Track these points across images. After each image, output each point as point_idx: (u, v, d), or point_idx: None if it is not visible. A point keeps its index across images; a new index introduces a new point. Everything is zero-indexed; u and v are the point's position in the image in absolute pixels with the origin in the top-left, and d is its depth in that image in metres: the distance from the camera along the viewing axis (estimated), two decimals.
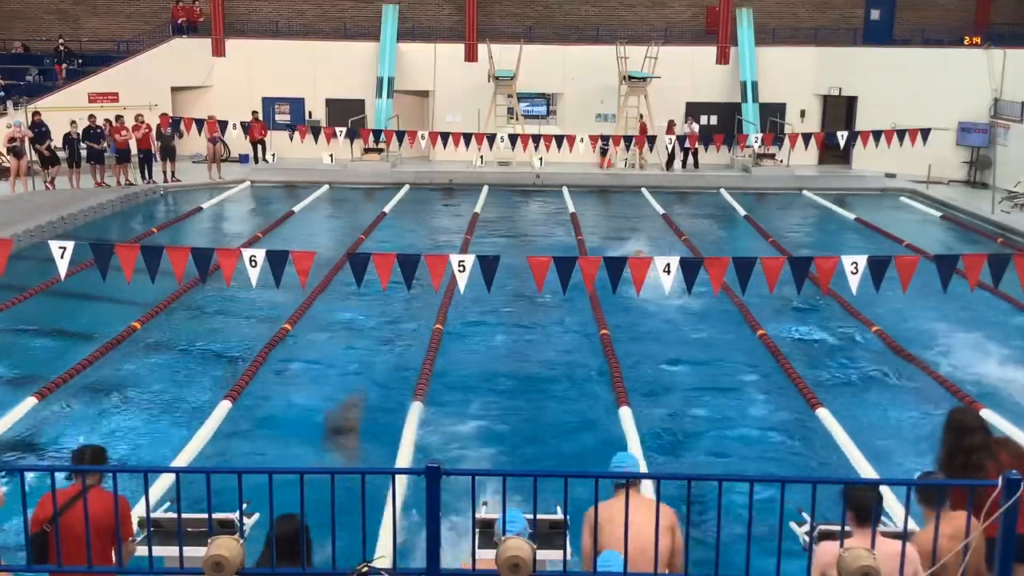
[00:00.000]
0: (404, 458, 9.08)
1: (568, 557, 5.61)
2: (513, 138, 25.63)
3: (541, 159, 27.29)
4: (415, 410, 10.31)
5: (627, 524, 4.72)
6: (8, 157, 23.03)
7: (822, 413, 10.29)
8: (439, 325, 13.23)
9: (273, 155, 27.90)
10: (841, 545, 4.63)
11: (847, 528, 5.10)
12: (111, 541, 5.49)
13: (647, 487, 6.79)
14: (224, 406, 10.29)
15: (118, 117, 24.25)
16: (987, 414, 9.98)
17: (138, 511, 5.98)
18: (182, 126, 25.46)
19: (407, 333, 13.46)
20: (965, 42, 28.40)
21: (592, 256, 10.41)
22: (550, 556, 5.59)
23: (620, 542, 4.80)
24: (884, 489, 7.78)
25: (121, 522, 5.38)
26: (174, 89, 29.12)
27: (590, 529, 5.13)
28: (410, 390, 10.92)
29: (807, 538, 5.74)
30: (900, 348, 12.64)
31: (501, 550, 4.44)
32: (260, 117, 28.08)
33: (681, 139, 27.62)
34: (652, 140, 25.63)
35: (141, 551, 5.57)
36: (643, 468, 6.43)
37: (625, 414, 10.22)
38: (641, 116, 28.80)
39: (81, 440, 9.42)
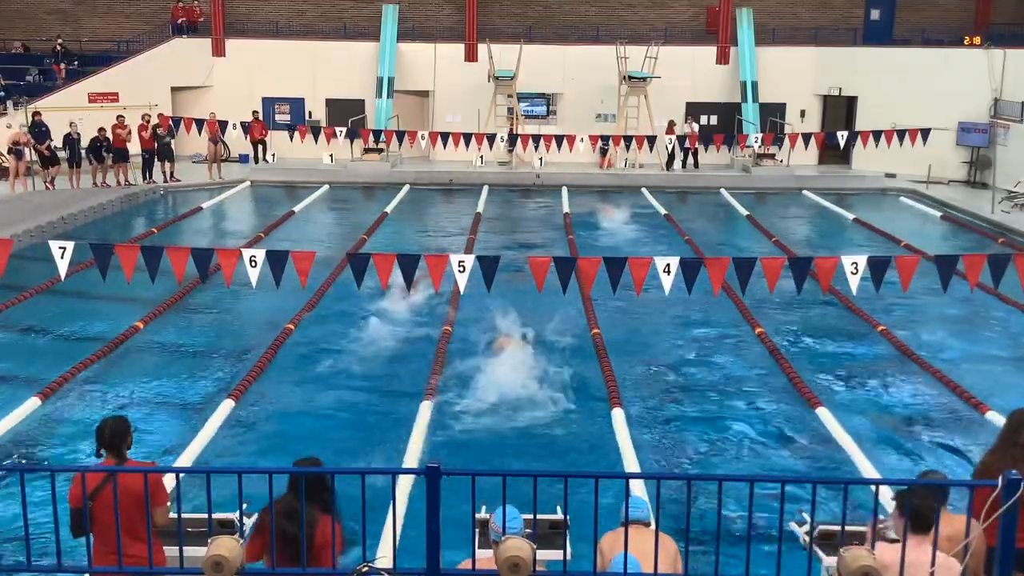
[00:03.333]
0: (412, 458, 9.08)
1: (568, 557, 5.62)
2: (513, 138, 25.62)
3: (541, 159, 27.28)
4: (424, 409, 10.31)
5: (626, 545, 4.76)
6: (9, 157, 23.04)
7: (822, 412, 10.29)
8: (448, 327, 13.22)
9: (273, 155, 27.91)
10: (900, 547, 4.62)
11: (894, 535, 5.02)
12: (146, 507, 5.52)
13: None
14: (227, 406, 10.29)
15: (119, 116, 24.23)
16: (992, 416, 9.99)
17: None
18: (182, 126, 25.50)
19: (413, 333, 13.45)
20: (965, 42, 28.40)
21: (591, 256, 10.40)
22: (550, 556, 5.60)
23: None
24: (883, 489, 7.79)
25: (154, 488, 5.46)
26: (174, 89, 29.13)
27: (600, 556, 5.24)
28: (419, 390, 10.92)
29: (807, 538, 5.75)
30: (901, 347, 12.64)
31: (501, 550, 4.44)
32: (260, 117, 28.10)
33: (681, 139, 27.62)
34: (652, 140, 25.64)
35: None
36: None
37: (617, 416, 10.20)
38: (510, 111, 28.82)
39: (84, 446, 9.45)
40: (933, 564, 4.63)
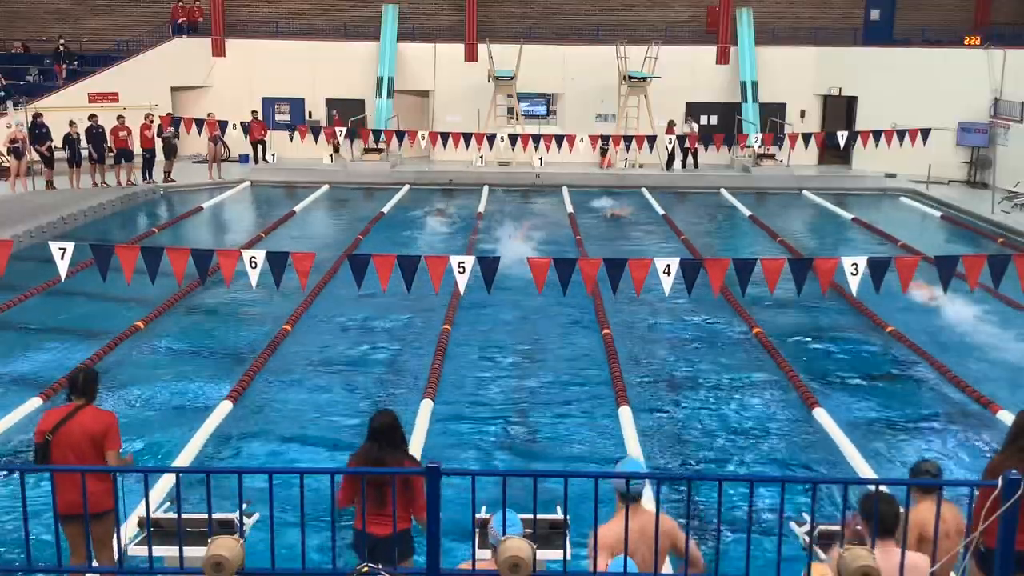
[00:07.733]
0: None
1: (568, 557, 5.62)
2: (513, 138, 25.64)
3: (541, 159, 27.28)
4: (425, 408, 10.31)
5: (627, 543, 4.73)
6: (8, 157, 23.03)
7: (819, 413, 10.29)
8: (447, 326, 13.20)
9: (273, 155, 27.92)
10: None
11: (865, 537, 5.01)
12: (101, 450, 6.31)
13: (648, 498, 6.76)
14: (225, 406, 10.29)
15: (119, 117, 24.22)
16: (1003, 415, 9.98)
17: (138, 511, 5.99)
18: (182, 126, 25.51)
19: (413, 333, 13.43)
20: (965, 42, 28.37)
21: (592, 257, 10.41)
22: (550, 556, 5.60)
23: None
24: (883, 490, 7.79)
25: (108, 431, 6.31)
26: (174, 89, 29.13)
27: (598, 551, 5.16)
28: (419, 389, 10.91)
29: (807, 538, 5.75)
30: (901, 345, 12.63)
31: (501, 550, 4.44)
32: (260, 117, 28.09)
33: (681, 139, 27.62)
34: (652, 140, 25.63)
35: (136, 554, 5.60)
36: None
37: (624, 414, 10.22)
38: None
39: None
40: (902, 568, 4.62)
